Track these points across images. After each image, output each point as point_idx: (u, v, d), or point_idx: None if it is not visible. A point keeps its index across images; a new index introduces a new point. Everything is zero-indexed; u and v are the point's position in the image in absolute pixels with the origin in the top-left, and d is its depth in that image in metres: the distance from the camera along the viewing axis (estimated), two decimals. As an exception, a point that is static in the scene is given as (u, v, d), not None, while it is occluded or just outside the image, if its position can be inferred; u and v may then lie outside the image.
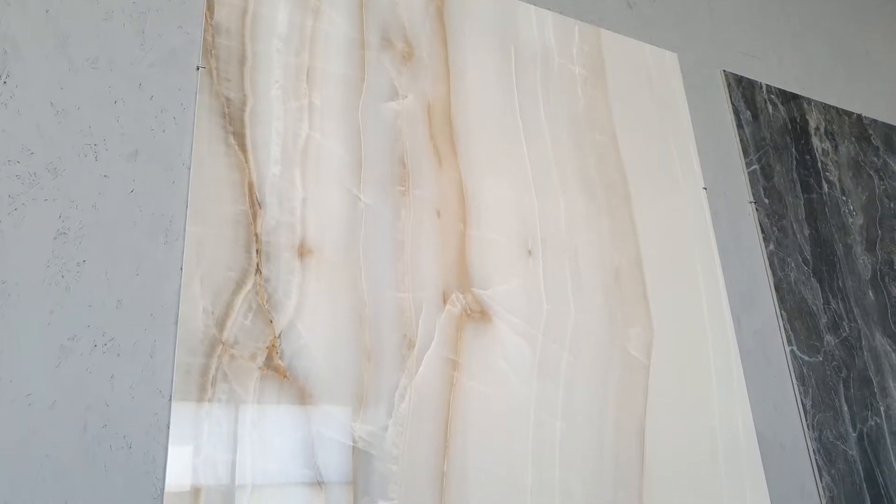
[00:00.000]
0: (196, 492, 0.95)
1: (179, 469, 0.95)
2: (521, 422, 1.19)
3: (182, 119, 1.12)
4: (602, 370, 1.29)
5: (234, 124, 1.14)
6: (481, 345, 1.21)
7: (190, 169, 1.09)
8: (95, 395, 0.94)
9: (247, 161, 1.13)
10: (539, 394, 1.22)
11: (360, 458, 1.05)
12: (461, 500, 1.09)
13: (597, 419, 1.24)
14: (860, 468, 1.44)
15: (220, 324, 1.03)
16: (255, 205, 1.11)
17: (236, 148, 1.13)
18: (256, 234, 1.10)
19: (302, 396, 1.05)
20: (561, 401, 1.23)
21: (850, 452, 1.44)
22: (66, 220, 0.99)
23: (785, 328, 1.49)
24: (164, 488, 0.94)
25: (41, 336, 0.93)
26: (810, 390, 1.46)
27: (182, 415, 0.97)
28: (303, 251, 1.12)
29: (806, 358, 1.49)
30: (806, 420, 1.43)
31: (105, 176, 1.04)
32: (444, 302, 1.21)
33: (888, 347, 1.59)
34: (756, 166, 1.63)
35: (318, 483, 1.01)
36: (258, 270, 1.08)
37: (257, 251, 1.09)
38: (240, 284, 1.06)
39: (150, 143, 1.08)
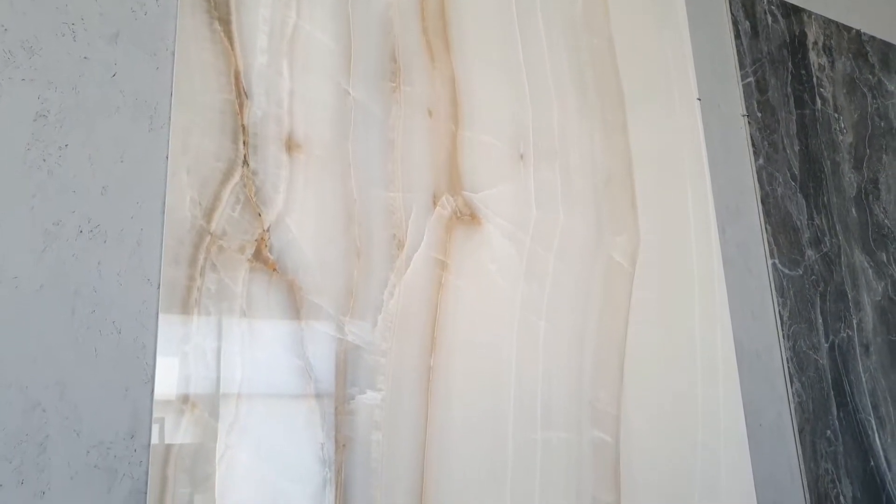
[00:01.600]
0: (185, 379, 0.96)
1: (168, 356, 0.96)
2: (506, 321, 1.21)
3: (164, 1, 1.06)
4: (587, 275, 1.30)
5: (220, 9, 1.09)
6: (470, 247, 1.21)
7: (174, 55, 1.05)
8: (82, 281, 0.93)
9: (232, 49, 1.09)
10: (525, 296, 1.24)
11: (349, 350, 1.07)
12: (447, 391, 1.12)
13: (580, 321, 1.27)
14: (829, 377, 1.49)
15: (208, 215, 1.02)
16: (241, 95, 1.08)
17: (221, 34, 1.08)
18: (243, 126, 1.07)
19: (291, 290, 1.05)
20: (546, 303, 1.25)
21: (821, 362, 1.49)
22: (45, 101, 0.96)
23: (768, 241, 1.51)
24: (153, 374, 0.95)
25: (25, 219, 0.91)
26: (788, 302, 1.49)
27: (171, 303, 0.97)
28: (290, 145, 1.10)
29: (786, 271, 1.51)
30: (782, 330, 1.47)
31: (85, 58, 0.99)
32: (434, 203, 1.20)
33: (866, 264, 1.63)
34: (751, 79, 1.61)
35: (308, 372, 1.03)
36: (245, 162, 1.06)
37: (244, 143, 1.06)
38: (227, 175, 1.04)
39: (131, 25, 1.03)
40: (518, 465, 1.15)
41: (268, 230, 1.05)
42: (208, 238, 1.01)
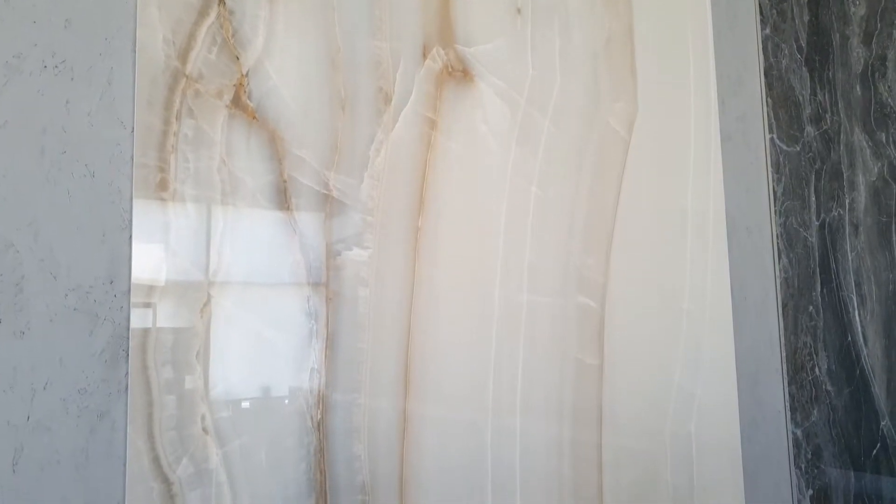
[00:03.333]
0: (165, 226, 0.93)
1: (146, 203, 0.92)
2: (496, 185, 1.17)
3: None
4: (582, 141, 1.26)
5: None
6: (462, 106, 1.16)
7: None
8: (50, 119, 0.88)
9: None
10: (517, 159, 1.20)
11: (335, 206, 1.04)
12: (434, 252, 1.10)
13: (572, 188, 1.24)
14: (816, 254, 1.49)
15: (183, 55, 0.95)
16: (215, -76, 0.98)
17: None
18: (218, -41, 0.98)
19: (273, 140, 1.00)
20: (538, 168, 1.21)
21: (810, 239, 1.49)
22: (-5, -82, 0.87)
23: (768, 115, 1.46)
24: (131, 220, 0.91)
25: (-18, 49, 0.85)
26: (783, 178, 1.47)
27: (146, 147, 0.92)
28: (271, -17, 1.01)
29: (784, 147, 1.48)
30: (774, 206, 1.45)
31: None
32: (424, 56, 1.13)
33: (864, 143, 1.59)
34: (765, -60, 1.50)
35: (292, 225, 1.00)
36: (221, 1, 0.98)
37: (220, -22, 0.98)
38: (202, 14, 0.97)
39: None
40: (503, 326, 1.15)
41: (246, 75, 0.99)
42: (184, 81, 0.95)
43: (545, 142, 1.22)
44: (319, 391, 1.00)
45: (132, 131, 0.92)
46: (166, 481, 0.90)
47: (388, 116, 1.09)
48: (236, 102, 0.98)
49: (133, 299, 0.90)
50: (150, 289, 0.91)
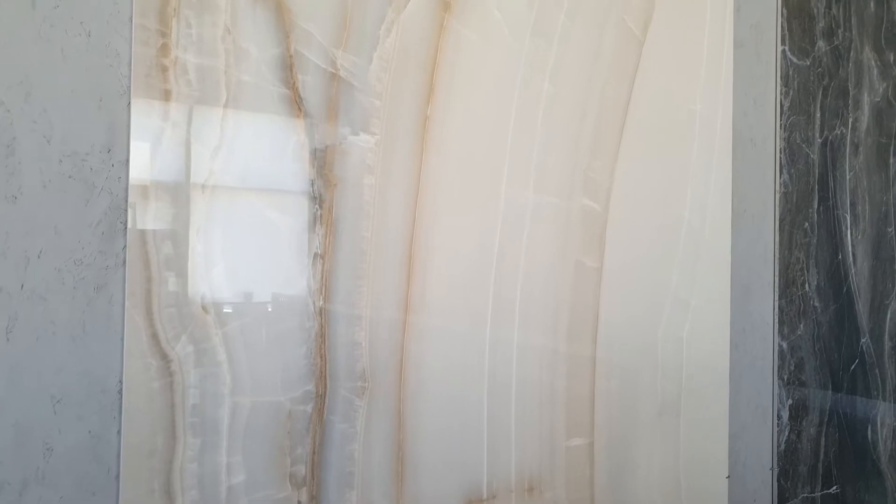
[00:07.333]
0: (164, 94, 0.88)
1: (145, 69, 0.86)
2: (508, 77, 1.13)
3: None
4: (597, 38, 1.22)
5: None
6: (474, -9, 1.10)
7: None
8: (40, -32, 0.81)
9: None
10: (531, 52, 1.15)
11: (342, 87, 0.99)
12: (442, 142, 1.07)
13: (585, 87, 1.20)
14: (816, 171, 1.49)
15: None
16: None
17: None
18: None
19: (279, 10, 0.94)
20: (552, 63, 1.17)
21: (812, 156, 1.48)
22: None
23: (782, 26, 1.43)
24: (129, 86, 0.86)
25: None
26: (791, 92, 1.44)
27: (146, 8, 0.86)
28: None
29: (795, 60, 1.45)
30: (780, 120, 1.43)
31: None
32: (439, -66, 1.06)
33: (872, 62, 1.57)
34: None
35: (297, 104, 0.96)
36: None
37: None
38: None
39: None
40: (507, 223, 1.13)
41: (253, -64, 0.92)
42: (184, -64, 0.88)
43: (560, 35, 1.17)
44: (323, 276, 0.98)
45: (129, -10, 0.86)
46: (165, 358, 0.88)
47: (400, -5, 1.03)
48: (241, -35, 0.91)
49: (132, 172, 0.86)
50: (151, 160, 0.87)
